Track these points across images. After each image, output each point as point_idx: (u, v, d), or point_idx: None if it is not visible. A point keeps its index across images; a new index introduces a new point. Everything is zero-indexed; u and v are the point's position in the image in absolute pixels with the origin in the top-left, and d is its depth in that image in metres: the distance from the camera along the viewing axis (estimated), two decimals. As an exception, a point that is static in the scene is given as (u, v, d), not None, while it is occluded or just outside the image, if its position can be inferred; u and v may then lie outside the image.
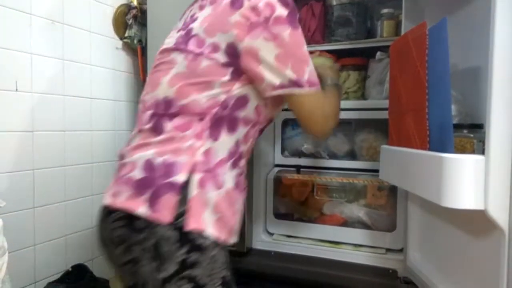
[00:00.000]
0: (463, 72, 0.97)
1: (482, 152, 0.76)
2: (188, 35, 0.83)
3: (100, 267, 1.75)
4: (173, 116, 0.81)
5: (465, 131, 0.86)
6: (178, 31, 0.88)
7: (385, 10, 1.49)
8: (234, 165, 0.85)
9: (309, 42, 1.58)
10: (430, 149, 0.84)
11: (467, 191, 0.74)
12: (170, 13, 1.56)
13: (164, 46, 0.89)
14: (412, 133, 0.94)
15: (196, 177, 0.78)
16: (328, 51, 1.57)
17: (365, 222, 1.45)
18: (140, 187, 0.77)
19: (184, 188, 0.76)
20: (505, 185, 0.73)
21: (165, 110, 0.82)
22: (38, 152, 1.46)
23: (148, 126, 0.83)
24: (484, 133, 0.76)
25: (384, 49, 1.45)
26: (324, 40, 1.60)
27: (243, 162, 0.88)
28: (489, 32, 0.73)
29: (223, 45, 0.79)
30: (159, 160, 0.78)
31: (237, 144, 0.85)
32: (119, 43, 1.85)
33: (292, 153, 1.64)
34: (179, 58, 0.83)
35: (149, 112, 0.85)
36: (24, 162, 1.42)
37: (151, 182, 0.77)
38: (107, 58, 1.79)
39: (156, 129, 0.82)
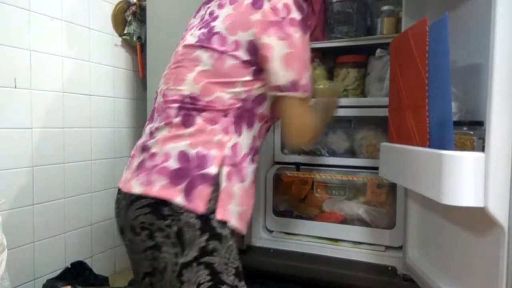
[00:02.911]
0: (464, 69, 0.97)
1: (482, 149, 0.76)
2: (210, 33, 0.87)
3: (100, 264, 1.75)
4: (201, 110, 0.85)
5: (465, 128, 0.86)
6: (200, 28, 0.91)
7: (385, 7, 1.48)
8: (253, 160, 0.90)
9: (309, 39, 1.58)
10: (430, 146, 0.84)
11: (467, 189, 0.74)
12: (169, 10, 1.56)
13: (186, 42, 0.92)
14: (412, 130, 0.93)
15: (225, 170, 0.83)
16: (328, 48, 1.57)
17: (365, 220, 1.45)
18: (176, 177, 0.81)
19: (215, 180, 0.81)
20: (505, 182, 0.73)
21: (193, 105, 0.86)
22: (37, 149, 1.46)
23: (177, 119, 0.86)
24: (484, 130, 0.76)
25: (384, 46, 1.44)
26: (324, 37, 1.60)
27: (257, 158, 0.94)
28: (490, 29, 0.72)
29: (244, 43, 0.83)
30: (192, 152, 0.83)
31: (254, 139, 0.90)
32: (118, 40, 1.84)
33: (291, 151, 1.64)
34: (204, 56, 0.86)
35: (176, 106, 0.88)
36: (23, 159, 1.41)
37: (187, 173, 0.81)
38: (106, 55, 1.78)
39: (186, 122, 0.85)
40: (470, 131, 0.85)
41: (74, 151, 1.62)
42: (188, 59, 0.89)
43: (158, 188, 0.81)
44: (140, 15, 1.81)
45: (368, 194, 1.48)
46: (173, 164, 0.82)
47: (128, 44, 1.88)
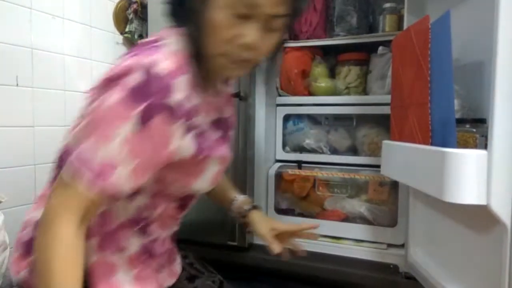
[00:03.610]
0: (466, 67, 0.97)
1: (485, 147, 0.76)
2: None
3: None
4: None
5: (467, 125, 0.86)
6: None
7: (387, 5, 1.48)
8: (143, 231, 0.76)
9: (310, 37, 1.58)
10: (432, 144, 0.84)
11: (470, 186, 0.74)
12: (171, 8, 1.55)
13: None
14: (414, 128, 0.93)
15: (94, 241, 0.71)
16: (330, 46, 1.57)
17: (367, 218, 1.45)
18: (27, 248, 0.72)
19: None
20: (508, 180, 0.73)
21: (63, 160, 0.72)
22: (39, 147, 1.46)
23: (52, 175, 0.77)
24: (487, 128, 0.75)
25: (386, 43, 1.44)
26: (326, 35, 1.59)
27: (154, 228, 0.78)
28: (493, 26, 0.72)
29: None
30: None
31: (140, 210, 0.74)
32: (120, 38, 1.84)
33: (293, 148, 1.64)
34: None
35: (56, 158, 0.78)
36: (25, 157, 1.42)
37: None
38: (108, 53, 1.78)
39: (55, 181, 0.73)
40: (473, 128, 0.84)
41: (76, 149, 1.62)
42: None
43: (13, 260, 0.74)
44: (142, 13, 1.80)
45: (370, 192, 1.48)
46: (27, 234, 0.73)
47: (129, 42, 1.87)
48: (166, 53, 0.64)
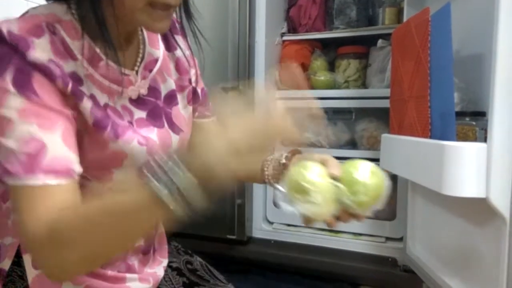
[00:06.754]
0: (466, 59, 0.96)
1: (484, 140, 0.76)
2: None
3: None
4: None
5: (467, 118, 0.85)
6: None
7: (387, -3, 1.47)
8: None
9: (309, 30, 1.58)
10: (431, 137, 0.84)
11: (469, 179, 0.74)
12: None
13: None
14: (413, 121, 0.93)
15: (28, 257, 0.62)
16: (329, 39, 1.56)
17: (365, 211, 1.45)
18: None
19: (9, 276, 0.63)
20: (507, 173, 0.73)
21: None
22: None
23: None
24: (487, 121, 0.75)
25: (386, 37, 1.43)
26: (325, 28, 1.59)
27: None
28: (493, 19, 0.72)
29: None
30: None
31: None
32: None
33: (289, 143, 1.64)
34: None
35: None
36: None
37: None
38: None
39: None
40: (473, 121, 0.84)
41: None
42: None
43: None
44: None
45: (369, 185, 1.48)
46: None
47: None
48: (22, 17, 0.55)
